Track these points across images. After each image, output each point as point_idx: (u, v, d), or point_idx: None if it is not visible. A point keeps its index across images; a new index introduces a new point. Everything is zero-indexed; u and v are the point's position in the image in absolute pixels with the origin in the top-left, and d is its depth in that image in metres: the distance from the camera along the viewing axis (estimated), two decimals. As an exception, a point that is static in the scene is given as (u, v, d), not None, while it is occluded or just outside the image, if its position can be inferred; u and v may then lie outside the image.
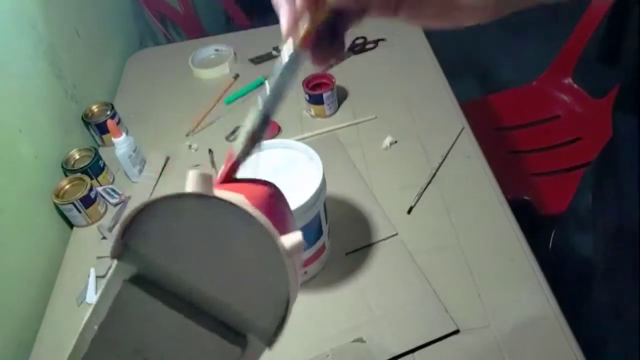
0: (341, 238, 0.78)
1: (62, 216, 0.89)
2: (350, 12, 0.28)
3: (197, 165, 0.96)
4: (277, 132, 1.00)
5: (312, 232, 0.67)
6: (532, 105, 1.46)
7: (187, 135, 1.04)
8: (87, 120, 1.02)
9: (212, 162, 0.96)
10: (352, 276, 0.74)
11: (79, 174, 0.89)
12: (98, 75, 1.20)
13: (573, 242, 0.78)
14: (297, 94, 1.08)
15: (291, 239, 0.27)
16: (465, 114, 0.97)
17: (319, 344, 0.67)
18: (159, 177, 0.96)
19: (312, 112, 1.02)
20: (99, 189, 0.91)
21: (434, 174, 0.86)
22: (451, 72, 1.10)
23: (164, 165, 0.98)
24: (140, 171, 0.95)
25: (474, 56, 2.30)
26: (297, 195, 0.61)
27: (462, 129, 0.94)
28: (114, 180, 0.97)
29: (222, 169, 0.31)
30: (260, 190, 0.30)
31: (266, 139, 0.99)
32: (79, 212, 0.86)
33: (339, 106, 1.04)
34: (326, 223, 0.70)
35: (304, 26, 0.29)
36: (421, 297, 0.69)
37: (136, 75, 1.26)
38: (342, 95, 1.06)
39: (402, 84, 1.07)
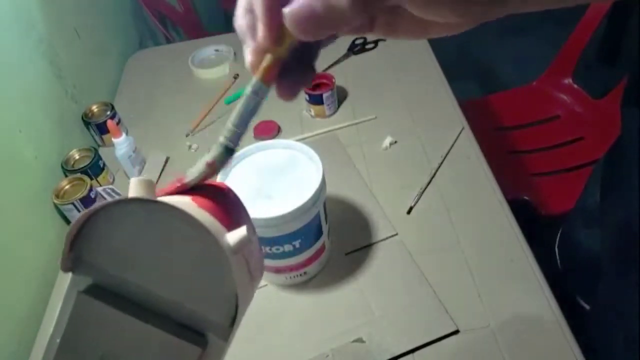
0: (341, 238, 0.78)
1: (62, 216, 0.89)
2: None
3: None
4: (277, 132, 1.00)
5: (312, 232, 0.67)
6: (532, 105, 1.46)
7: (187, 135, 1.04)
8: (87, 120, 1.02)
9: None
10: (352, 276, 0.74)
11: (79, 174, 0.89)
12: (98, 75, 1.20)
13: (580, 240, 0.78)
14: (297, 94, 1.08)
15: (235, 235, 0.27)
16: (465, 114, 0.97)
17: (319, 344, 0.67)
18: (159, 177, 0.96)
19: (312, 112, 1.02)
20: (99, 189, 0.91)
21: (434, 174, 0.86)
22: (451, 72, 1.10)
23: (164, 166, 0.98)
24: (140, 171, 0.95)
25: (474, 56, 2.30)
26: (297, 195, 0.61)
27: (462, 129, 0.94)
28: (114, 180, 0.97)
29: (165, 188, 0.30)
30: (207, 191, 0.30)
31: (265, 138, 0.99)
32: (79, 212, 0.86)
33: (339, 106, 1.04)
34: (326, 223, 0.70)
35: (266, 59, 0.27)
36: (421, 297, 0.69)
37: (136, 75, 1.26)
38: (342, 95, 1.06)
39: (402, 84, 1.07)
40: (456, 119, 0.96)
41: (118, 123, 1.02)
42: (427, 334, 0.65)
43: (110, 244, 0.28)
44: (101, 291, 0.28)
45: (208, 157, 0.30)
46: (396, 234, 0.78)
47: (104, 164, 0.94)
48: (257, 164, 0.68)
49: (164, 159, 0.98)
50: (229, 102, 1.10)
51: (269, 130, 0.99)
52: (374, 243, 0.77)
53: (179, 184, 0.30)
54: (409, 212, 0.81)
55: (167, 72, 1.23)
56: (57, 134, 0.96)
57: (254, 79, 0.28)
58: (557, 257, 0.84)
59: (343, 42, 1.20)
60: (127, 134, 0.94)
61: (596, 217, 0.70)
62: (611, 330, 0.67)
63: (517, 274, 0.71)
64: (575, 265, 0.82)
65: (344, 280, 0.73)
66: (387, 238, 0.78)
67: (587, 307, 0.77)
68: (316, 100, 1.00)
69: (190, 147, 1.01)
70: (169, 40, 1.61)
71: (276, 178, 0.66)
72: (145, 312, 0.28)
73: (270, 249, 0.66)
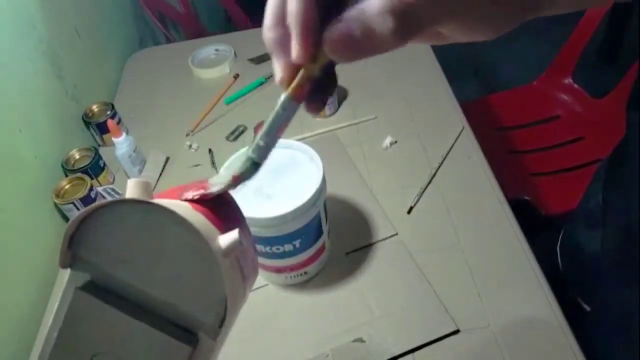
0: (341, 238, 0.78)
1: (62, 216, 0.89)
2: None
3: (196, 165, 0.97)
4: (277, 132, 1.00)
5: (312, 232, 0.67)
6: (532, 105, 1.46)
7: (187, 135, 1.04)
8: (87, 120, 1.02)
9: (213, 162, 0.96)
10: (352, 276, 0.74)
11: (79, 174, 0.89)
12: (98, 75, 1.20)
13: (582, 241, 0.77)
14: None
15: (226, 238, 0.28)
16: (465, 114, 0.97)
17: (319, 344, 0.67)
18: (159, 177, 0.96)
19: (312, 112, 1.02)
20: (99, 189, 0.91)
21: (434, 174, 0.86)
22: (451, 72, 1.10)
23: (164, 165, 0.98)
24: (140, 171, 0.95)
25: (474, 56, 2.30)
26: (297, 195, 0.61)
27: (462, 129, 0.94)
28: (114, 180, 0.97)
29: (187, 192, 0.30)
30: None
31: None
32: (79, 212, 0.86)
33: (339, 106, 1.04)
34: (326, 223, 0.70)
35: (298, 76, 0.26)
36: (421, 297, 0.69)
37: (136, 75, 1.26)
38: (342, 95, 1.06)
39: (402, 84, 1.07)
40: (456, 119, 0.96)
41: (118, 123, 1.02)
42: (427, 334, 0.65)
43: (107, 242, 0.28)
44: (97, 288, 0.29)
45: (235, 171, 0.30)
46: (396, 234, 0.78)
47: (104, 164, 0.94)
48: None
49: (164, 159, 0.98)
50: (229, 102, 1.10)
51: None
52: (374, 243, 0.77)
53: (202, 191, 0.30)
54: (409, 212, 0.81)
55: (167, 72, 1.23)
56: (57, 133, 0.96)
57: (284, 95, 0.27)
58: (559, 258, 0.84)
59: (343, 42, 1.20)
60: (127, 133, 0.94)
61: (598, 218, 0.70)
62: (611, 331, 0.67)
63: (517, 274, 0.71)
64: (577, 266, 0.81)
65: (344, 280, 0.73)
66: (387, 238, 0.78)
67: (587, 308, 0.77)
68: (316, 100, 0.99)
69: (190, 146, 1.00)
70: (169, 40, 1.61)
71: (276, 178, 0.66)
72: (139, 310, 0.29)
73: (270, 249, 0.66)
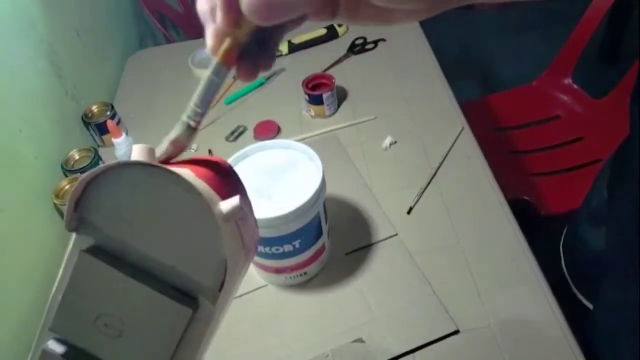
0: (341, 238, 0.78)
1: (62, 216, 0.89)
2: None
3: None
4: (277, 132, 1.00)
5: (312, 233, 0.67)
6: (532, 105, 1.46)
7: (187, 135, 1.03)
8: (87, 120, 1.02)
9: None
10: (352, 276, 0.74)
11: (78, 174, 0.89)
12: (98, 75, 1.20)
13: (586, 240, 0.77)
14: (297, 94, 1.08)
15: (228, 203, 0.29)
16: (465, 114, 0.97)
17: (319, 344, 0.67)
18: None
19: (312, 113, 1.02)
20: (99, 189, 0.91)
21: (434, 174, 0.86)
22: (451, 72, 1.10)
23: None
24: (140, 171, 0.95)
25: (474, 56, 2.31)
26: (297, 195, 0.61)
27: (462, 129, 0.94)
28: (114, 180, 0.97)
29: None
30: (207, 165, 0.32)
31: (265, 138, 0.99)
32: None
33: (338, 106, 1.04)
34: (326, 223, 0.70)
35: (225, 42, 0.29)
36: (421, 297, 0.69)
37: (136, 75, 1.26)
38: (342, 96, 1.06)
39: (402, 84, 1.07)
40: (456, 119, 0.96)
41: (118, 123, 1.02)
42: (427, 334, 0.65)
43: (112, 205, 0.29)
44: (101, 252, 0.30)
45: (171, 136, 0.32)
46: (396, 234, 0.78)
47: (104, 164, 0.94)
48: (257, 164, 0.68)
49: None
50: (229, 102, 1.10)
51: (269, 131, 0.99)
52: (374, 243, 0.77)
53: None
54: (409, 212, 0.81)
55: (167, 72, 1.23)
56: (57, 133, 0.96)
57: (214, 61, 0.30)
58: (562, 257, 0.84)
59: (343, 42, 1.20)
60: (127, 134, 0.94)
61: (602, 216, 0.70)
62: (613, 330, 0.67)
63: (517, 274, 0.71)
64: (580, 264, 0.81)
65: (344, 280, 0.73)
66: (387, 238, 0.78)
67: (590, 306, 0.76)
68: (316, 100, 1.00)
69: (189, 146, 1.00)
70: (169, 40, 1.61)
71: (276, 178, 0.66)
72: (141, 274, 0.29)
73: (270, 249, 0.66)
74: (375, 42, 1.19)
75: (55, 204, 0.86)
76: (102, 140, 1.04)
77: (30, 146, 0.86)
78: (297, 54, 1.21)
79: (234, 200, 0.29)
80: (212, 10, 0.28)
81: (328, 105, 1.00)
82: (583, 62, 1.41)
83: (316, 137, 0.98)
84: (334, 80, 1.00)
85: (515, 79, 1.61)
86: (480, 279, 0.71)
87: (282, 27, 0.30)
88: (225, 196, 0.30)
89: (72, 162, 0.93)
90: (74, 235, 0.30)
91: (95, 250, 0.30)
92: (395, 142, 0.94)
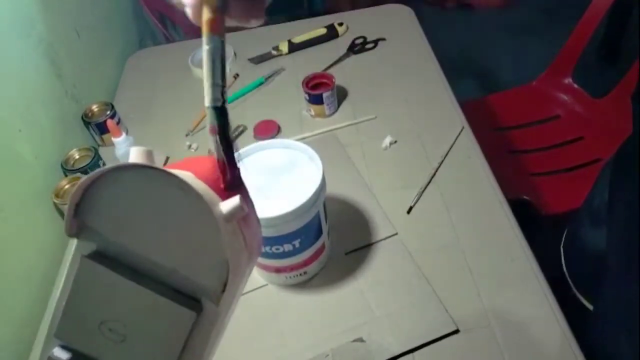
0: (341, 238, 0.78)
1: (62, 216, 0.89)
2: None
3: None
4: (277, 132, 1.00)
5: (312, 232, 0.67)
6: (532, 105, 1.46)
7: (186, 135, 1.04)
8: (87, 120, 1.02)
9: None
10: (352, 276, 0.74)
11: (78, 174, 0.89)
12: (98, 75, 1.20)
13: (587, 240, 0.77)
14: (297, 94, 1.08)
15: (228, 204, 0.28)
16: (465, 114, 0.97)
17: (319, 344, 0.67)
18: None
19: (312, 112, 1.02)
20: (99, 188, 0.91)
21: (434, 174, 0.86)
22: (451, 72, 1.10)
23: (164, 165, 0.97)
24: (140, 171, 0.95)
25: (474, 56, 2.30)
26: (297, 195, 0.61)
27: (462, 129, 0.94)
28: (113, 180, 0.97)
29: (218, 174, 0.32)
30: (207, 163, 0.32)
31: (265, 138, 0.99)
32: (79, 212, 0.86)
33: (338, 106, 1.04)
34: (326, 223, 0.70)
35: (204, 12, 0.30)
36: (421, 297, 0.70)
37: (136, 75, 1.26)
38: (342, 95, 1.06)
39: (402, 84, 1.07)
40: (456, 119, 0.96)
41: (118, 123, 1.02)
42: (427, 334, 0.65)
43: (111, 209, 0.29)
44: (103, 257, 0.29)
45: (207, 124, 0.32)
46: (396, 234, 0.78)
47: (104, 164, 0.94)
48: (257, 164, 0.68)
49: (163, 159, 0.98)
50: (229, 102, 1.10)
51: (269, 130, 0.99)
52: (374, 243, 0.77)
53: (220, 167, 0.32)
54: (409, 212, 0.81)
55: (167, 72, 1.23)
56: (57, 133, 0.95)
57: (204, 34, 0.31)
58: (562, 257, 0.84)
59: (343, 42, 1.20)
60: (127, 133, 0.94)
61: (604, 216, 0.70)
62: (613, 330, 0.67)
63: (517, 274, 0.71)
64: (581, 265, 0.81)
65: (344, 280, 0.73)
66: (387, 238, 0.78)
67: (590, 307, 0.76)
68: (316, 100, 1.00)
69: (190, 146, 1.00)
70: (169, 40, 1.61)
71: (276, 178, 0.66)
72: (144, 278, 0.29)
73: (270, 249, 0.66)
74: (375, 42, 1.19)
75: (55, 204, 0.86)
76: (102, 139, 1.04)
77: (30, 146, 0.86)
78: (297, 53, 1.21)
79: (234, 200, 0.28)
80: None
81: (328, 104, 1.00)
82: (583, 62, 1.41)
83: (316, 137, 0.98)
84: (334, 80, 1.00)
85: (515, 78, 1.61)
86: (480, 279, 0.71)
87: None
88: (226, 196, 0.30)
89: (72, 162, 0.93)
90: (75, 240, 0.30)
91: (97, 256, 0.29)
92: (395, 141, 0.94)
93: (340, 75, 1.07)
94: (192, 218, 0.28)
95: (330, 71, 1.12)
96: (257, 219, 0.34)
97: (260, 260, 0.70)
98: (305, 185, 0.63)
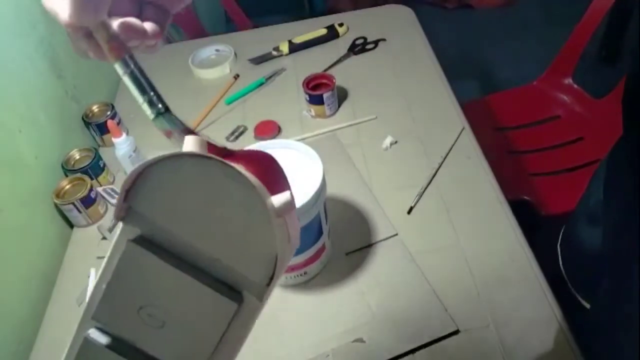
0: (341, 238, 0.78)
1: (62, 216, 0.89)
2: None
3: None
4: (277, 132, 1.00)
5: (312, 232, 0.67)
6: (532, 105, 1.46)
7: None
8: (87, 120, 1.02)
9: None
10: (352, 276, 0.74)
11: (79, 174, 0.89)
12: (98, 75, 1.20)
13: (583, 239, 0.77)
14: (297, 94, 1.08)
15: (280, 198, 0.28)
16: (465, 114, 0.97)
17: (319, 344, 0.67)
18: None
19: (312, 113, 1.02)
20: (99, 189, 0.91)
21: (434, 174, 0.86)
22: (451, 72, 1.10)
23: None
24: (141, 171, 0.95)
25: (474, 56, 2.31)
26: (297, 195, 0.61)
27: (462, 129, 0.94)
28: (114, 180, 0.97)
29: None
30: (255, 156, 0.32)
31: (265, 138, 0.99)
32: (79, 212, 0.86)
33: (339, 106, 1.04)
34: (326, 223, 0.70)
35: (101, 43, 0.35)
36: (421, 297, 0.70)
37: (136, 75, 1.25)
38: (342, 96, 1.06)
39: (402, 84, 1.07)
40: (456, 119, 0.96)
41: (118, 123, 1.02)
42: (427, 334, 0.65)
43: (162, 196, 0.29)
44: (148, 242, 0.29)
45: (161, 130, 0.35)
46: (396, 234, 0.78)
47: (104, 164, 0.94)
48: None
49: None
50: (229, 102, 1.10)
51: (269, 130, 0.99)
52: (374, 243, 0.77)
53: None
54: (409, 212, 0.81)
55: (167, 72, 1.23)
56: (58, 134, 0.96)
57: (114, 64, 0.35)
58: (559, 257, 0.84)
59: (343, 42, 1.20)
60: (127, 134, 0.94)
61: (599, 216, 0.70)
62: (612, 329, 0.67)
63: (517, 274, 0.71)
64: (578, 264, 0.81)
65: (344, 280, 0.73)
66: (387, 238, 0.78)
67: (587, 306, 0.76)
68: (316, 100, 1.00)
69: (190, 147, 1.00)
70: (169, 40, 1.61)
71: (276, 178, 0.66)
72: (187, 266, 0.29)
73: (271, 249, 0.66)
74: (376, 42, 1.19)
75: (55, 204, 0.86)
76: (102, 140, 1.04)
77: (31, 146, 0.86)
78: (297, 54, 1.21)
79: (286, 195, 0.28)
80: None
81: (328, 105, 1.00)
82: (583, 62, 1.41)
83: (316, 137, 0.98)
84: (334, 80, 1.00)
85: (515, 79, 1.61)
86: (480, 279, 0.71)
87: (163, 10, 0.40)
88: (272, 189, 0.29)
89: (72, 162, 0.93)
90: (120, 225, 0.30)
91: (143, 240, 0.29)
92: (396, 142, 0.94)
93: (340, 76, 1.07)
94: (244, 210, 0.28)
95: (331, 71, 1.12)
96: (297, 217, 0.34)
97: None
98: (305, 186, 0.63)
